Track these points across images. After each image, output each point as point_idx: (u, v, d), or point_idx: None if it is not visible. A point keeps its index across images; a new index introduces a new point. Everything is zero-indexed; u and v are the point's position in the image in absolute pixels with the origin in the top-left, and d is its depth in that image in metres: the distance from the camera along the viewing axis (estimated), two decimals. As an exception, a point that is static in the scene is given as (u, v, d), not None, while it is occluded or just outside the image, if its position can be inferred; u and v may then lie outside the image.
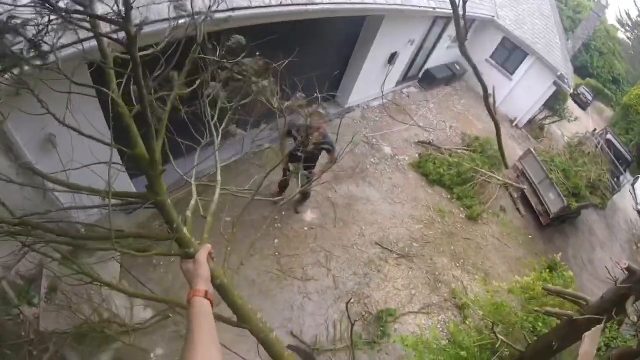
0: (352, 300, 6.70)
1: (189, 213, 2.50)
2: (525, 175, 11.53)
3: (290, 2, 5.89)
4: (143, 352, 5.22)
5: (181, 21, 2.06)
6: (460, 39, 8.73)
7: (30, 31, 1.62)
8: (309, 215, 7.69)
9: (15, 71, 1.80)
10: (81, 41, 2.11)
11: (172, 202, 2.30)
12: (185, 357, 1.25)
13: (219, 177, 2.94)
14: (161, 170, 2.07)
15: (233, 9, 4.98)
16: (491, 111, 9.94)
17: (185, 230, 2.27)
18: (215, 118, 2.92)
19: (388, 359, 6.33)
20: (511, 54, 16.03)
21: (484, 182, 10.22)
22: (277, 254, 6.80)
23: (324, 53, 8.90)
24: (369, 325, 6.60)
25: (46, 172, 2.43)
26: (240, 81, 2.77)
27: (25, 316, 5.19)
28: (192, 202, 2.58)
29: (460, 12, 8.06)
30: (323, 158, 6.46)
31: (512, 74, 16.16)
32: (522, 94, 16.11)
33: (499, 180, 10.62)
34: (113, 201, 2.17)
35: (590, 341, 4.10)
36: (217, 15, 3.29)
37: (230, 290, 2.55)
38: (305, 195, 7.44)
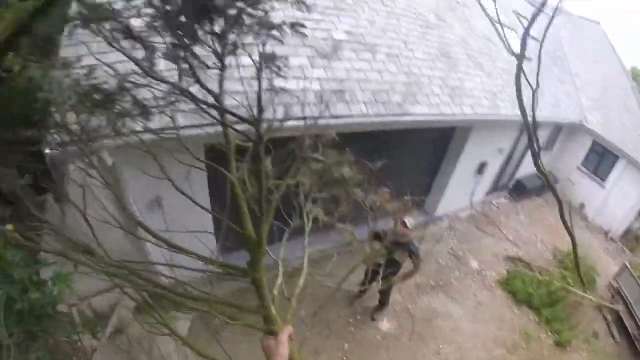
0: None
1: (275, 292, 2.67)
2: (620, 294, 10.80)
3: (386, 112, 6.48)
4: None
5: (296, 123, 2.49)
6: (532, 151, 8.39)
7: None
8: (384, 324, 7.73)
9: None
10: (211, 124, 2.70)
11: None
12: None
13: (305, 263, 3.09)
14: (264, 252, 2.34)
15: (336, 116, 5.64)
16: (567, 225, 9.63)
17: (272, 308, 2.40)
18: (308, 206, 3.14)
19: None
20: (602, 158, 15.26)
21: (575, 302, 9.72)
22: (344, 358, 6.86)
23: (415, 162, 9.43)
24: None
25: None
26: (321, 163, 2.87)
27: (82, 345, 5.31)
28: (279, 282, 2.73)
29: (530, 120, 7.72)
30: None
31: (604, 180, 15.38)
32: (616, 201, 15.02)
33: (591, 300, 10.07)
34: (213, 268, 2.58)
35: None
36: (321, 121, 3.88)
37: None
38: (383, 302, 7.53)
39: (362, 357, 7.01)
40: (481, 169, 11.21)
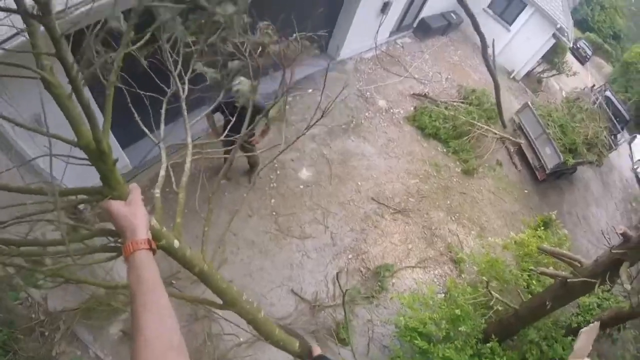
0: (349, 256, 6.91)
1: (157, 190, 2.10)
2: (522, 129, 11.64)
3: None
4: None
5: None
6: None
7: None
8: (304, 173, 7.79)
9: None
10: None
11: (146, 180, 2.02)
12: (137, 312, 1.16)
13: (189, 139, 2.47)
14: (113, 162, 1.65)
15: None
16: (490, 66, 9.91)
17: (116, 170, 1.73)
18: (179, 66, 2.47)
19: (386, 312, 6.59)
20: (510, 3, 15.79)
21: (480, 135, 10.32)
22: (274, 213, 6.94)
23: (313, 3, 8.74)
24: (367, 281, 6.86)
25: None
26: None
27: (33, 299, 5.35)
28: (162, 173, 2.15)
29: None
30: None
31: (510, 24, 15.96)
32: (520, 45, 15.94)
33: (495, 133, 10.74)
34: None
35: (586, 337, 4.28)
36: None
37: (213, 275, 2.34)
38: (252, 166, 7.18)
39: (289, 207, 7.13)
40: (384, 8, 10.83)
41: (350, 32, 10.07)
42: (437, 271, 7.55)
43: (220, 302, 2.50)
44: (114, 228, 1.53)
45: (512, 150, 11.55)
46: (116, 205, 1.45)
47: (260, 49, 2.96)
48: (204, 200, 2.07)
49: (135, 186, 1.60)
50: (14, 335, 4.89)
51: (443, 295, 6.62)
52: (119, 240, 1.77)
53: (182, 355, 1.12)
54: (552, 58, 17.37)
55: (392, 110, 10.24)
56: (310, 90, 8.97)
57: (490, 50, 15.68)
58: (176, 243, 1.93)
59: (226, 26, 2.42)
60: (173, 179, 2.30)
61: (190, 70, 2.58)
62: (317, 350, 2.70)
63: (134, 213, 1.44)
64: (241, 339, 5.54)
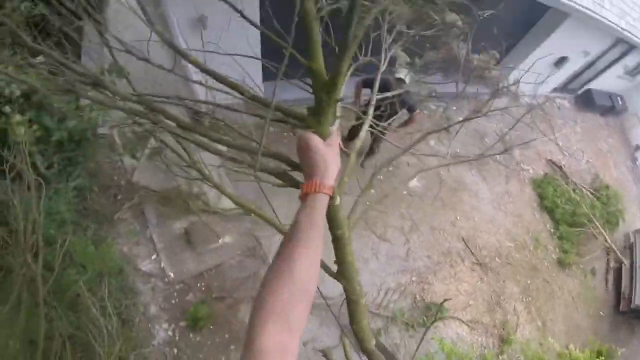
0: (413, 278, 6.73)
1: (358, 143, 2.43)
2: (632, 250, 10.76)
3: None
4: (213, 234, 5.57)
5: None
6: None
7: None
8: (413, 181, 7.66)
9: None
10: None
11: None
12: (295, 251, 1.12)
13: (371, 111, 2.66)
14: (337, 99, 1.63)
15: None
16: None
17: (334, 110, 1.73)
18: (390, 40, 2.60)
19: (414, 346, 6.42)
20: None
21: (591, 234, 9.65)
22: (367, 203, 6.76)
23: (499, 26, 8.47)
24: (414, 309, 6.68)
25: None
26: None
27: (123, 165, 5.67)
28: (362, 134, 2.42)
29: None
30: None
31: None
32: None
33: (606, 240, 9.98)
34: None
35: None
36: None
37: (348, 244, 2.39)
38: (372, 150, 7.12)
39: (384, 204, 6.98)
40: (560, 62, 10.46)
41: (516, 70, 9.60)
42: (481, 339, 7.23)
43: (334, 270, 2.58)
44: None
45: (611, 266, 10.71)
46: (317, 141, 1.38)
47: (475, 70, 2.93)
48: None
49: (337, 132, 1.58)
50: (92, 187, 5.24)
51: (475, 363, 6.39)
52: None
53: (309, 307, 1.10)
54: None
55: (522, 165, 9.79)
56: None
57: (637, 154, 14.68)
58: (337, 200, 1.93)
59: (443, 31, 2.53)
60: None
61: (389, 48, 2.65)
62: None
63: (332, 156, 1.38)
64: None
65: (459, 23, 2.55)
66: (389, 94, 3.07)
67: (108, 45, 2.05)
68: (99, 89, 2.00)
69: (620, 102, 14.33)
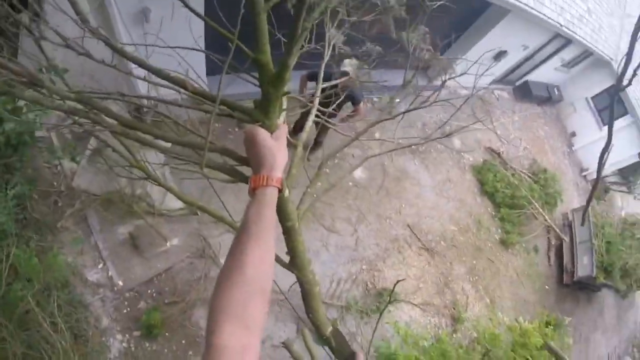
0: (363, 267, 6.97)
1: (303, 134, 2.36)
2: (571, 228, 11.40)
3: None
4: (160, 237, 5.47)
5: None
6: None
7: None
8: (358, 172, 7.86)
9: None
10: None
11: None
12: (246, 247, 1.11)
13: (316, 102, 2.59)
14: (284, 93, 1.62)
15: None
16: (601, 165, 9.54)
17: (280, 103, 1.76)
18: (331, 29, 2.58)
19: (370, 332, 6.63)
20: (611, 104, 15.15)
21: (531, 214, 10.22)
22: (314, 195, 6.91)
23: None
24: (367, 296, 6.91)
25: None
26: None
27: (63, 169, 5.43)
28: (280, 120, 2.01)
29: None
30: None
31: (604, 124, 15.39)
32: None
33: (545, 220, 10.56)
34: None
35: None
36: None
37: (298, 235, 2.45)
38: (318, 143, 7.18)
39: (329, 197, 7.10)
40: (500, 55, 10.77)
41: (457, 64, 9.98)
42: (434, 320, 7.54)
43: (286, 261, 2.60)
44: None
45: (552, 243, 11.30)
46: (264, 134, 1.38)
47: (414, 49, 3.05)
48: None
49: (284, 125, 1.58)
50: (30, 194, 4.98)
51: (431, 343, 6.63)
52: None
53: (267, 303, 1.10)
54: (628, 175, 16.77)
55: (462, 154, 10.19)
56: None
57: (573, 140, 15.48)
58: (287, 192, 1.96)
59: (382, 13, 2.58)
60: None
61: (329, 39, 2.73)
62: (360, 357, 2.74)
63: (279, 149, 1.38)
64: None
65: (397, 7, 2.61)
66: (330, 83, 3.09)
67: (43, 40, 2.02)
68: (36, 89, 1.91)
69: (556, 93, 15.07)
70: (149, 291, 5.44)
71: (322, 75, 2.89)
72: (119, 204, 5.32)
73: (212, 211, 3.22)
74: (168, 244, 5.61)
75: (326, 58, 2.56)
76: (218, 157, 1.99)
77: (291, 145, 1.78)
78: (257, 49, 1.48)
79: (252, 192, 1.28)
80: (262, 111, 1.62)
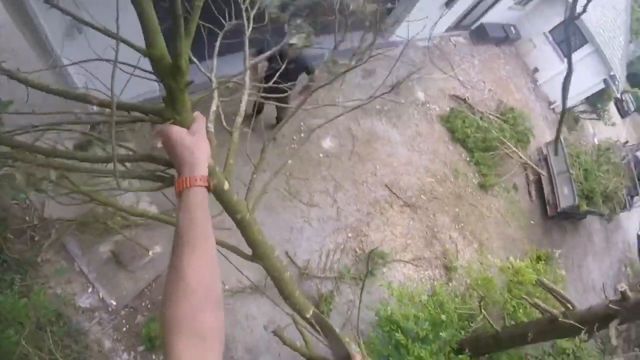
0: (349, 235, 6.96)
1: (210, 125, 2.11)
2: (547, 161, 11.56)
3: None
4: (142, 248, 5.38)
5: None
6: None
7: None
8: (327, 142, 7.81)
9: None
10: None
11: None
12: (183, 257, 1.05)
13: (247, 78, 2.41)
14: (186, 82, 1.43)
15: None
16: (565, 96, 9.63)
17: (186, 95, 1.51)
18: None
19: (369, 297, 6.65)
20: (571, 35, 15.32)
21: (505, 155, 10.30)
22: (288, 174, 6.97)
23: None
24: (359, 262, 6.92)
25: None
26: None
27: (31, 202, 5.26)
28: (213, 108, 1.96)
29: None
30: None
31: (565, 56, 15.56)
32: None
33: (520, 157, 10.68)
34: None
35: None
36: None
37: (253, 225, 2.28)
38: (279, 120, 6.94)
39: (303, 172, 7.16)
40: (450, 2, 10.68)
41: (409, 16, 9.87)
42: (428, 273, 7.62)
43: (249, 253, 2.50)
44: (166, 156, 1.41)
45: (531, 179, 11.50)
46: (178, 133, 1.30)
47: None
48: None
49: (201, 115, 1.44)
50: (4, 234, 4.85)
51: (427, 297, 6.70)
52: (166, 171, 1.69)
53: (219, 309, 1.04)
54: (596, 102, 17.03)
55: (428, 105, 10.17)
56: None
57: (536, 75, 15.61)
58: (226, 185, 1.85)
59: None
60: (223, 117, 2.21)
61: (256, 7, 2.57)
62: (357, 359, 2.61)
63: (198, 145, 1.29)
64: (226, 287, 5.59)
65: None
66: (266, 55, 2.92)
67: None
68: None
69: (513, 31, 15.12)
70: (143, 304, 5.39)
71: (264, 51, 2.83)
72: (94, 223, 5.16)
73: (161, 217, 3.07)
74: (151, 253, 5.50)
75: (248, 32, 2.39)
76: (147, 165, 1.81)
77: (227, 134, 1.70)
78: (148, 42, 1.31)
79: (179, 195, 1.21)
80: (171, 107, 1.45)
